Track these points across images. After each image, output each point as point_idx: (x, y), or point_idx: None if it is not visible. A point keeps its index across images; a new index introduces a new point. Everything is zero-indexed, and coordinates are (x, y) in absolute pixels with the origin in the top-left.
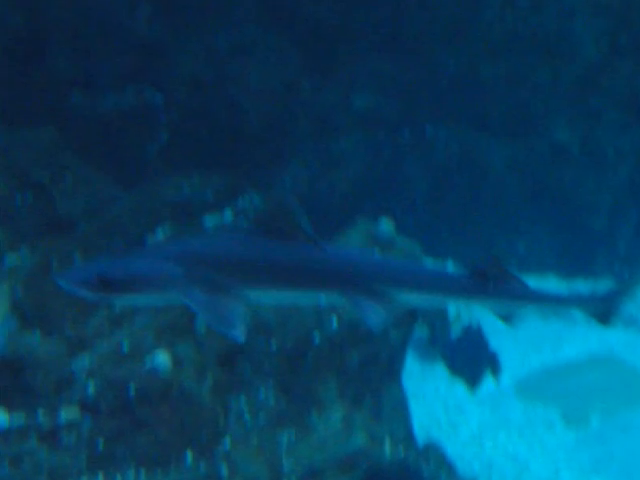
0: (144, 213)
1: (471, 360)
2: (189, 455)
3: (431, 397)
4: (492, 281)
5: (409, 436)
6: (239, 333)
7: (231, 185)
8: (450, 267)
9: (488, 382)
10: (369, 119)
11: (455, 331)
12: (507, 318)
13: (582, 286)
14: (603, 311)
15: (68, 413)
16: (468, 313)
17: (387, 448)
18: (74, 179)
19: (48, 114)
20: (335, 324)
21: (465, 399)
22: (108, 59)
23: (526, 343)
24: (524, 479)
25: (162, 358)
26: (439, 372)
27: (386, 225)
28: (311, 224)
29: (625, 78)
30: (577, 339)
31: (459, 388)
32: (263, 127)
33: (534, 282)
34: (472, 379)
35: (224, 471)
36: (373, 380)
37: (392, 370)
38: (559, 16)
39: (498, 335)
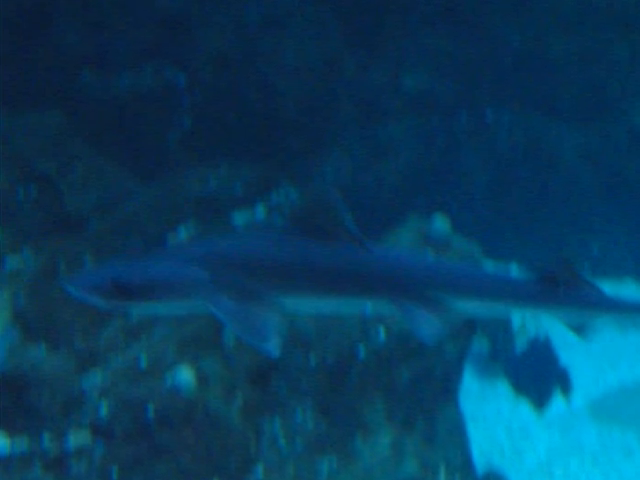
0: (164, 209)
1: (538, 377)
2: None
3: (492, 419)
4: (562, 287)
5: (467, 464)
6: (273, 346)
7: (264, 177)
8: (514, 271)
9: (558, 402)
10: (421, 102)
11: (520, 344)
12: (579, 329)
13: None
14: None
15: (78, 438)
16: (535, 323)
17: (442, 477)
18: (84, 171)
19: (55, 96)
20: (383, 336)
21: (531, 421)
22: (123, 33)
23: (601, 358)
24: None
25: (185, 375)
26: (501, 391)
27: (441, 223)
28: (355, 222)
29: None
30: None
31: (524, 409)
32: (300, 111)
33: (610, 288)
34: (539, 399)
35: None
36: (426, 400)
37: (448, 389)
38: None
39: (569, 349)
